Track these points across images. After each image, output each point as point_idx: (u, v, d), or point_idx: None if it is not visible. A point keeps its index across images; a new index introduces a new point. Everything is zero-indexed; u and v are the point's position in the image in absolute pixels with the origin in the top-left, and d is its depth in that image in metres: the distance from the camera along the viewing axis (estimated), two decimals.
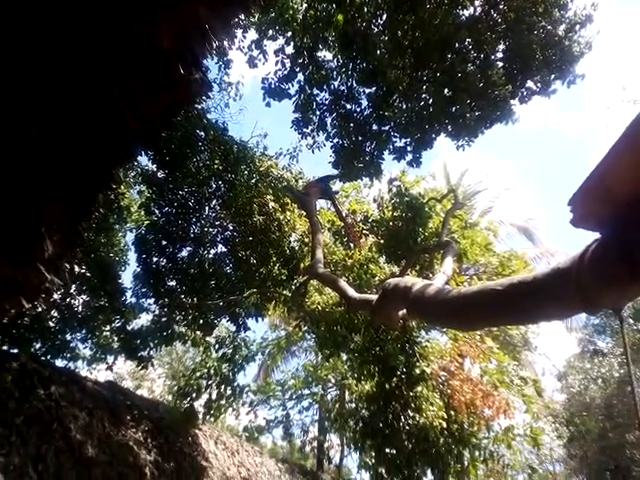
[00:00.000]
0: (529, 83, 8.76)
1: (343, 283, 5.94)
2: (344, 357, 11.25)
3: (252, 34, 8.75)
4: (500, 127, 9.07)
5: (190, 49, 2.55)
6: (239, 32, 8.57)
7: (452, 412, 9.45)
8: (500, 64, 8.61)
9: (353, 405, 11.34)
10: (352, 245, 9.78)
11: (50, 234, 2.29)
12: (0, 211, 2.07)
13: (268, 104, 8.37)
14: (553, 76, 8.60)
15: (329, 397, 12.01)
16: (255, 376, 14.84)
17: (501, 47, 8.61)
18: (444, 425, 8.91)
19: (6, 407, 6.40)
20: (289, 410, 11.52)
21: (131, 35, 2.16)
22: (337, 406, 11.48)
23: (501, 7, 8.24)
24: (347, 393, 11.62)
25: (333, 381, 11.47)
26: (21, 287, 2.34)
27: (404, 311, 3.28)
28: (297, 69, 8.14)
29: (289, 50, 8.15)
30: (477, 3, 8.10)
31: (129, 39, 2.15)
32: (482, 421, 10.06)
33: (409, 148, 9.10)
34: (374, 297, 4.05)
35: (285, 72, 8.20)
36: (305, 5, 7.83)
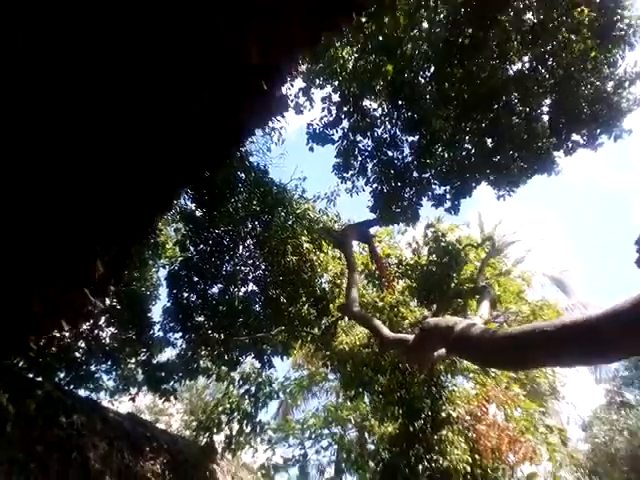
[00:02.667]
0: (575, 136, 8.66)
1: (378, 322, 5.88)
2: (366, 398, 11.09)
3: (298, 82, 8.77)
4: (543, 178, 8.97)
5: (277, 65, 2.40)
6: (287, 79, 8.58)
7: (477, 456, 9.29)
8: (545, 117, 8.53)
9: (374, 447, 11.12)
10: (384, 287, 9.64)
11: (103, 253, 2.17)
12: (57, 229, 1.96)
13: (311, 149, 8.37)
14: (599, 130, 8.49)
15: (349, 438, 11.77)
16: (274, 414, 14.68)
17: (547, 101, 8.54)
18: (468, 469, 8.78)
19: (28, 434, 6.36)
20: (307, 449, 11.29)
21: (221, 46, 2.00)
22: (358, 447, 11.25)
23: (549, 63, 8.16)
24: (368, 434, 11.39)
25: (353, 422, 11.25)
26: (64, 310, 2.25)
27: (442, 351, 3.32)
28: (342, 116, 8.13)
29: (335, 98, 8.15)
30: (525, 59, 8.03)
31: (219, 49, 1.96)
32: (507, 467, 9.90)
33: (448, 196, 9.01)
34: (409, 337, 4.02)
35: (330, 119, 8.20)
36: (355, 55, 7.81)
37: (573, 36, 7.30)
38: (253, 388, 9.53)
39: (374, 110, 8.38)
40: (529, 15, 7.29)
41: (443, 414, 9.32)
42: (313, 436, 11.23)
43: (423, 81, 7.88)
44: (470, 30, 7.10)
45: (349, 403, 11.26)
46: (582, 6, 6.76)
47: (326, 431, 11.28)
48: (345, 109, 8.08)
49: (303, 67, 7.89)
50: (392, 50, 7.23)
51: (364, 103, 8.23)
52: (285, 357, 10.00)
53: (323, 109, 8.20)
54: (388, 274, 9.56)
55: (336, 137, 8.38)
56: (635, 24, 7.11)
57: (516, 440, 10.86)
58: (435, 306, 9.49)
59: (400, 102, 7.90)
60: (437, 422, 9.27)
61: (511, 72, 8.11)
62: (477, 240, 10.33)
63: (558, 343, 1.72)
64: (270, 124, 8.72)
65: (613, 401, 16.31)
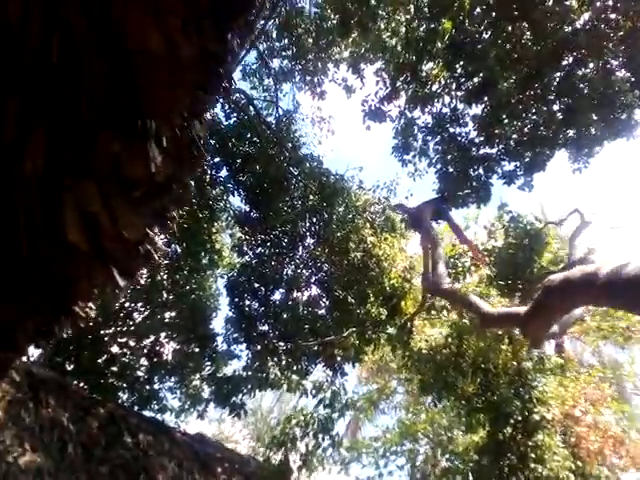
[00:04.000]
0: None
1: (476, 298, 5.02)
2: (441, 406, 10.18)
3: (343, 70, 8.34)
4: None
5: None
6: (331, 66, 8.22)
7: (579, 462, 8.25)
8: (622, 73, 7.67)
9: (458, 460, 10.11)
10: (474, 267, 8.72)
11: None
12: None
13: (368, 127, 7.83)
14: None
15: (425, 453, 10.80)
16: (343, 433, 13.83)
17: (620, 56, 7.68)
18: (572, 477, 7.74)
19: (91, 454, 5.97)
20: (381, 469, 10.38)
21: None
22: (443, 461, 10.27)
23: (614, 16, 7.36)
24: (446, 448, 10.40)
25: (432, 435, 10.28)
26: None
27: (577, 312, 2.92)
28: (400, 86, 7.54)
29: (390, 70, 7.59)
30: (589, 13, 7.26)
31: None
32: (612, 472, 8.77)
33: (519, 172, 8.21)
34: (518, 309, 3.42)
35: (387, 91, 7.63)
36: (407, 17, 7.25)
37: None
38: (328, 397, 8.90)
39: (433, 79, 7.70)
40: None
41: (536, 417, 8.34)
42: (387, 454, 10.35)
43: (486, 37, 7.16)
44: None
45: (423, 416, 10.36)
46: None
47: (401, 448, 10.38)
48: (401, 79, 7.48)
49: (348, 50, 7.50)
50: (448, 5, 6.59)
51: (422, 70, 7.58)
52: (357, 363, 9.26)
53: (377, 82, 7.64)
54: (478, 250, 8.56)
55: (393, 114, 7.80)
56: None
57: (621, 442, 9.68)
58: (519, 295, 8.57)
59: (462, 65, 7.22)
60: (529, 426, 8.32)
61: (578, 24, 7.34)
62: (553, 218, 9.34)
63: None
64: (318, 114, 8.27)
65: None
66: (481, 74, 7.33)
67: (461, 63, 7.36)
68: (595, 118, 7.69)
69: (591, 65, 7.62)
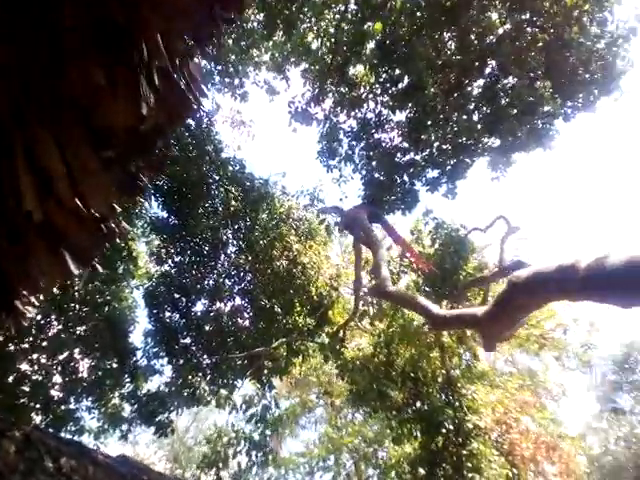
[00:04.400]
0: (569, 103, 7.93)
1: (423, 300, 4.79)
2: (367, 418, 9.99)
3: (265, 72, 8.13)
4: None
5: None
6: (251, 68, 7.98)
7: (514, 469, 8.27)
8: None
9: (390, 473, 9.89)
10: (414, 270, 8.53)
11: None
12: None
13: (294, 130, 7.62)
14: (597, 92, 7.77)
15: (351, 467, 10.53)
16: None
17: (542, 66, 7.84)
18: None
19: None
20: None
21: None
22: (370, 473, 10.04)
23: (539, 24, 7.52)
24: (380, 459, 10.17)
25: (357, 449, 10.01)
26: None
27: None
28: (326, 88, 7.38)
29: (316, 71, 7.42)
30: (512, 21, 7.36)
31: None
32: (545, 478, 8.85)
33: (442, 179, 8.18)
34: (474, 310, 3.17)
35: (313, 93, 7.44)
36: (337, 17, 7.10)
37: None
38: (259, 412, 8.55)
39: (360, 82, 7.57)
40: None
41: (469, 425, 8.26)
42: (315, 469, 10.04)
43: (416, 39, 7.09)
44: None
45: (350, 429, 10.12)
46: None
47: (326, 463, 10.09)
48: (329, 81, 7.32)
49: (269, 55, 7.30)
50: (379, 6, 6.48)
51: (349, 72, 7.44)
52: (284, 376, 8.94)
53: (304, 83, 7.47)
54: (416, 252, 8.36)
55: (320, 117, 7.63)
56: None
57: (553, 448, 9.75)
58: (446, 302, 8.49)
59: (389, 68, 7.11)
60: (463, 435, 8.21)
61: (501, 31, 7.44)
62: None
63: None
64: (238, 117, 8.01)
65: (605, 408, 15.08)
66: (407, 79, 7.25)
67: (389, 66, 7.28)
68: (518, 126, 7.77)
69: (514, 74, 7.71)
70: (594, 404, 16.27)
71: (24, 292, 1.40)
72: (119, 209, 1.49)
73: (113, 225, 1.47)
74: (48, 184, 1.11)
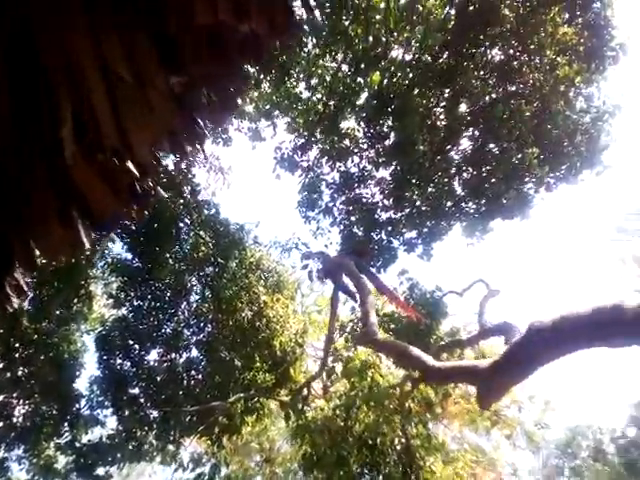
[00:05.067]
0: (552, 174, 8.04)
1: (416, 350, 4.35)
2: None
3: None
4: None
5: None
6: (235, 119, 7.96)
7: None
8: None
9: None
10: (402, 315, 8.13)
11: None
12: None
13: (278, 176, 7.51)
14: (580, 164, 7.91)
15: None
16: None
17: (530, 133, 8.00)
18: None
19: None
20: None
21: None
22: None
23: (526, 94, 7.71)
24: None
25: None
26: None
27: None
28: (315, 137, 7.32)
29: (306, 119, 7.37)
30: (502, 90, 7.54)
31: None
32: None
33: (419, 240, 8.11)
34: (473, 362, 2.82)
35: (303, 140, 7.38)
36: (334, 65, 7.10)
37: (559, 58, 6.88)
38: (207, 472, 7.96)
39: (349, 134, 7.53)
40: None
41: None
42: None
43: (411, 94, 7.11)
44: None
45: None
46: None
47: None
48: (318, 129, 7.26)
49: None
50: (378, 58, 6.48)
51: (340, 122, 7.41)
52: (236, 434, 8.36)
53: (292, 132, 7.41)
54: (401, 300, 8.00)
55: (305, 165, 7.54)
56: (624, 44, 6.70)
57: None
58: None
59: (383, 120, 7.08)
60: None
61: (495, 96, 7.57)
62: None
63: None
64: (216, 163, 7.89)
65: None
66: (397, 134, 7.21)
67: (381, 119, 7.26)
68: (505, 189, 7.79)
69: (503, 139, 7.80)
70: None
71: (19, 267, 1.10)
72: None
73: (149, 186, 1.19)
74: (88, 109, 0.85)
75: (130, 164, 1.06)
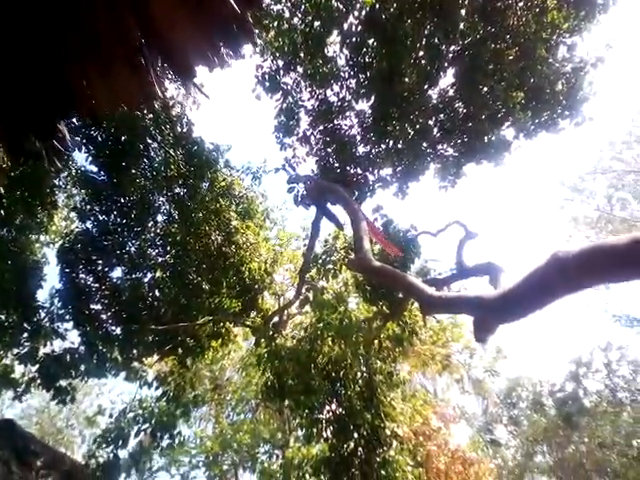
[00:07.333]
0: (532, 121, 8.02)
1: (415, 279, 4.34)
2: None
3: None
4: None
5: None
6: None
7: None
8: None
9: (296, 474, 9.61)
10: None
11: None
12: None
13: (258, 96, 7.15)
14: (560, 112, 7.89)
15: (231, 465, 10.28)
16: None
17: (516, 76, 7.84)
18: None
19: None
20: None
21: None
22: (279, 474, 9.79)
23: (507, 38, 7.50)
24: (275, 460, 9.96)
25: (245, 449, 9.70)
26: None
27: None
28: (302, 55, 6.93)
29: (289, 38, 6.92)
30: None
31: None
32: None
33: (394, 178, 8.08)
34: (476, 293, 2.67)
35: (288, 59, 6.98)
36: None
37: (549, 1, 6.65)
38: (172, 390, 8.13)
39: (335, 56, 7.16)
40: None
41: (387, 432, 8.08)
42: (201, 464, 9.65)
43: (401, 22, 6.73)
44: None
45: (245, 426, 9.89)
46: None
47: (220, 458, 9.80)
48: (305, 47, 6.85)
49: None
50: None
51: (327, 44, 7.00)
52: (200, 357, 8.53)
53: (277, 47, 6.98)
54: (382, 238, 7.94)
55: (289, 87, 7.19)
56: None
57: (470, 463, 9.91)
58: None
59: (368, 48, 6.74)
60: (378, 442, 8.01)
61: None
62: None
63: None
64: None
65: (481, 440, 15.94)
66: (382, 63, 6.90)
67: (369, 44, 6.89)
68: (489, 129, 7.72)
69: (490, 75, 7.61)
70: (473, 433, 16.34)
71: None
72: None
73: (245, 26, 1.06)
74: None
75: None
